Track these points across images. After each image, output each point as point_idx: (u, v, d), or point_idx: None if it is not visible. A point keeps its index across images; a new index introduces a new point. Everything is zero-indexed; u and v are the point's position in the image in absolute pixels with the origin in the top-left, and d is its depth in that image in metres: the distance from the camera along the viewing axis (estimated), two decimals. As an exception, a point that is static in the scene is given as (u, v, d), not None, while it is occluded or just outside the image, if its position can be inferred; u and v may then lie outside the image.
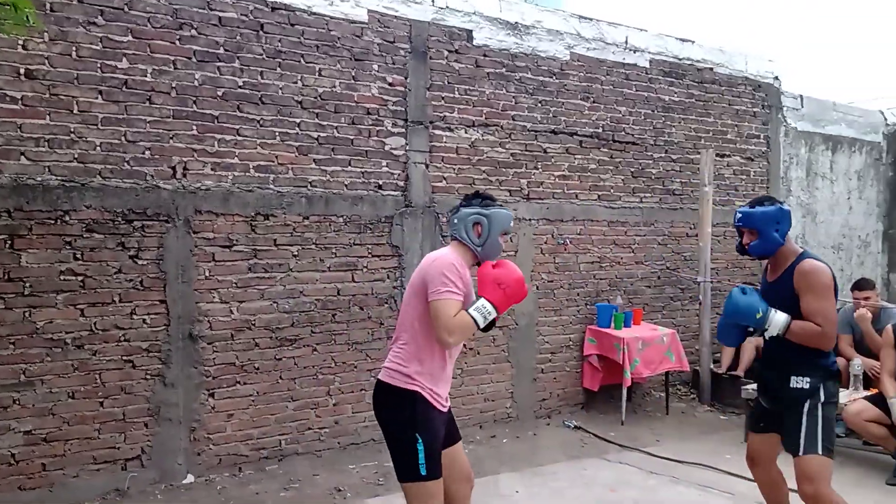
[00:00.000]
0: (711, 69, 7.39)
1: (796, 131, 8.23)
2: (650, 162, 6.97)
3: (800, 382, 3.45)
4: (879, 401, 5.00)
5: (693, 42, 7.27)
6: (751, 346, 6.74)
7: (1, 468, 4.22)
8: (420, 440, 2.85)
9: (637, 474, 5.07)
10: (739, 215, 3.50)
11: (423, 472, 2.84)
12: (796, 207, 8.28)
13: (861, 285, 6.03)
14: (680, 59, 7.13)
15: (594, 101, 6.56)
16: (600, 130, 6.61)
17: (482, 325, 2.91)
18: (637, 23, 6.91)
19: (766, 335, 3.45)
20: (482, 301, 2.90)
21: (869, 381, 5.51)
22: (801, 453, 3.40)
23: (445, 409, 3.04)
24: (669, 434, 6.02)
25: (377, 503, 4.54)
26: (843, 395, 5.47)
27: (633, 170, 6.85)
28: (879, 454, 5.25)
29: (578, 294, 6.52)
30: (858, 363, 5.61)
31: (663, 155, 7.05)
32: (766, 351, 3.60)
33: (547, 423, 6.24)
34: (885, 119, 9.20)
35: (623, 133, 6.76)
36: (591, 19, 6.54)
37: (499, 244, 3.08)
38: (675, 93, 7.11)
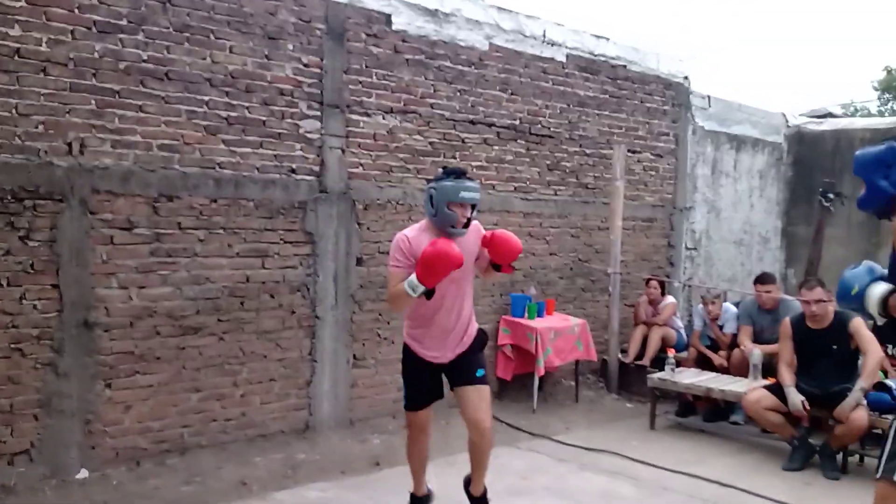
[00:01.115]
0: (625, 66, 7.54)
1: (703, 130, 8.52)
2: (565, 155, 7.06)
3: None
4: (777, 390, 5.23)
5: (608, 39, 7.40)
6: (657, 335, 6.95)
7: None
8: (403, 380, 3.87)
9: (547, 462, 5.12)
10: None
11: (405, 404, 3.89)
12: (702, 203, 8.58)
13: (763, 279, 6.30)
14: (595, 56, 7.24)
15: (512, 93, 6.58)
16: (517, 122, 6.64)
17: (413, 295, 3.42)
18: (554, 17, 6.98)
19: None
20: (412, 275, 3.41)
21: (768, 370, 5.76)
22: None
23: (435, 360, 3.75)
24: (579, 422, 6.13)
25: (285, 496, 4.41)
26: (743, 384, 5.71)
27: (548, 162, 6.92)
28: (776, 441, 5.50)
29: (493, 284, 6.54)
30: (758, 353, 5.85)
31: (577, 149, 7.16)
32: None
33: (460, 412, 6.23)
34: (787, 121, 9.65)
35: (539, 126, 6.81)
36: (510, 11, 6.56)
37: (451, 214, 3.52)
38: (590, 88, 7.22)
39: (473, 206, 3.63)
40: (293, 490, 4.50)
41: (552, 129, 6.92)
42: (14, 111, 4.19)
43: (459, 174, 3.60)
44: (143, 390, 4.71)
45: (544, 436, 5.66)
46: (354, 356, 5.71)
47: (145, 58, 4.60)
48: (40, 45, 4.26)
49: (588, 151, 7.25)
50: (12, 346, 4.24)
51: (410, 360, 3.81)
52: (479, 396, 3.73)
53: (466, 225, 3.60)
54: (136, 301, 4.64)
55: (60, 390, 4.38)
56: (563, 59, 6.95)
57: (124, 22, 4.52)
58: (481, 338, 3.87)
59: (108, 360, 4.55)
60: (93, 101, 4.43)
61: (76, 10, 4.35)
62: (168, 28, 4.69)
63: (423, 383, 3.80)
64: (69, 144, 4.37)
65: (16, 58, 4.19)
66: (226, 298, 5.02)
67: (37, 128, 4.26)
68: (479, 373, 3.77)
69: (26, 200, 4.24)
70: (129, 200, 4.59)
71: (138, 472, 4.61)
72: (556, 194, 7.02)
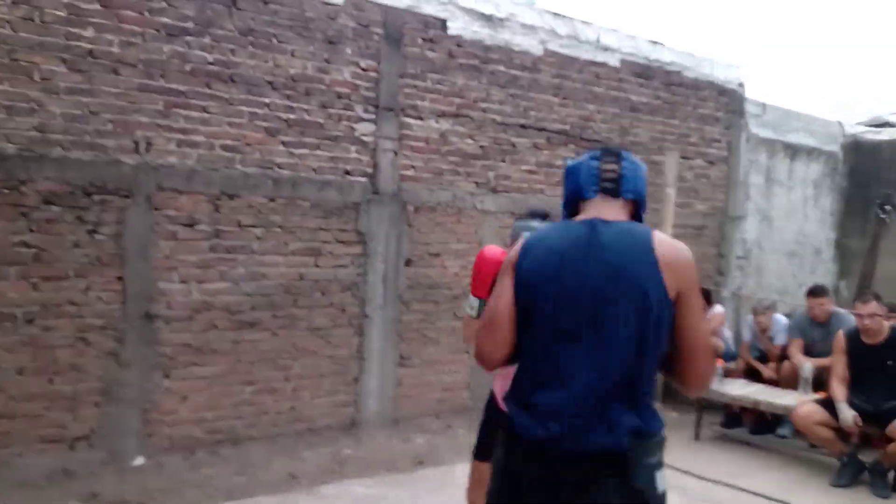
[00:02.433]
0: (679, 72, 7.48)
1: (758, 138, 8.40)
2: (616, 161, 7.02)
3: None
4: (828, 404, 5.15)
5: (663, 45, 7.35)
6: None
7: (-57, 444, 4.09)
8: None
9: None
10: None
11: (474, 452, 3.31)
12: (754, 213, 8.46)
13: (816, 291, 6.20)
14: (650, 61, 7.21)
15: (564, 98, 6.59)
16: (568, 127, 6.65)
17: (473, 314, 2.91)
18: (609, 23, 6.96)
19: None
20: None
21: (819, 384, 5.67)
22: None
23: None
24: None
25: (332, 490, 4.52)
26: (793, 398, 5.64)
27: (598, 168, 6.89)
28: (824, 456, 5.42)
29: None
30: (809, 366, 5.77)
31: (629, 155, 7.11)
32: None
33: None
34: (843, 130, 9.45)
35: (591, 131, 6.81)
36: (565, 16, 6.56)
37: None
38: (644, 94, 7.18)
39: None
40: (339, 485, 4.60)
41: (603, 135, 6.90)
42: (86, 109, 4.37)
43: (543, 216, 3.01)
44: (200, 381, 4.87)
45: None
46: (401, 356, 5.79)
47: (211, 60, 4.75)
48: (112, 47, 4.43)
49: (639, 157, 7.20)
50: (77, 335, 4.42)
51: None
52: None
53: None
54: (196, 295, 4.79)
55: (121, 379, 4.56)
56: (617, 65, 6.93)
57: (191, 25, 4.67)
58: None
59: (168, 352, 4.72)
60: (160, 102, 4.59)
61: (146, 13, 4.52)
62: (233, 31, 4.83)
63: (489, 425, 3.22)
64: (137, 143, 4.54)
65: (88, 58, 4.37)
66: (280, 295, 5.15)
67: (106, 126, 4.44)
68: None
69: (95, 196, 4.42)
70: (192, 198, 4.74)
71: (192, 461, 4.76)
72: (605, 200, 6.99)
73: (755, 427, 6.24)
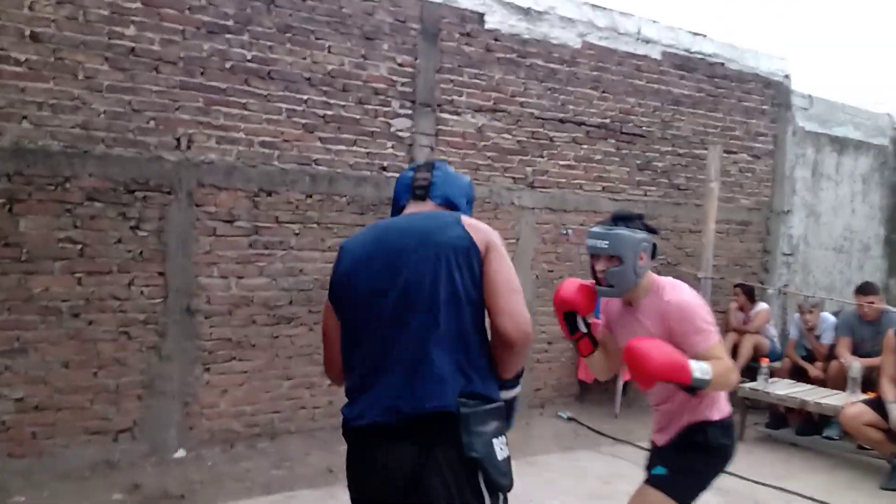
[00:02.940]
0: (723, 64, 7.32)
1: (804, 131, 8.18)
2: (656, 155, 6.92)
3: None
4: (878, 405, 4.99)
5: (705, 36, 7.20)
6: (749, 343, 6.74)
7: (-9, 434, 4.20)
8: None
9: (630, 468, 5.03)
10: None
11: None
12: (800, 208, 8.24)
13: (866, 289, 6.01)
14: (692, 53, 7.06)
15: (604, 91, 6.49)
16: (608, 121, 6.56)
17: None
18: (648, 14, 6.84)
19: None
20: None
21: (867, 384, 5.50)
22: None
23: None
24: (663, 429, 6.00)
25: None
26: (841, 398, 5.48)
27: (638, 162, 6.80)
28: (874, 458, 5.25)
29: (578, 285, 6.47)
30: (857, 366, 5.60)
31: (670, 149, 7.00)
32: None
33: (540, 413, 6.23)
34: (893, 122, 9.15)
35: (631, 125, 6.70)
36: (604, 8, 6.47)
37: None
38: (686, 86, 7.05)
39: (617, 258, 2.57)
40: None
41: (644, 128, 6.79)
42: (128, 107, 4.44)
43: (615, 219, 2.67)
44: (239, 376, 4.92)
45: (627, 441, 5.58)
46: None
47: (249, 57, 4.79)
48: (153, 45, 4.50)
49: (681, 151, 7.09)
50: (120, 329, 4.50)
51: None
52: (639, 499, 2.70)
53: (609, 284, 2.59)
54: (235, 290, 4.84)
55: (163, 373, 4.63)
56: (658, 57, 6.81)
57: (231, 23, 4.72)
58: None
59: (208, 346, 4.78)
60: (200, 99, 4.65)
61: (187, 11, 4.57)
62: (271, 28, 4.86)
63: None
64: (178, 140, 4.61)
65: (131, 56, 4.44)
66: (317, 290, 5.17)
67: (148, 123, 4.51)
68: (657, 470, 2.70)
69: (137, 192, 4.50)
70: (232, 194, 4.79)
71: (231, 454, 4.82)
72: (645, 195, 6.89)
73: (802, 428, 6.07)
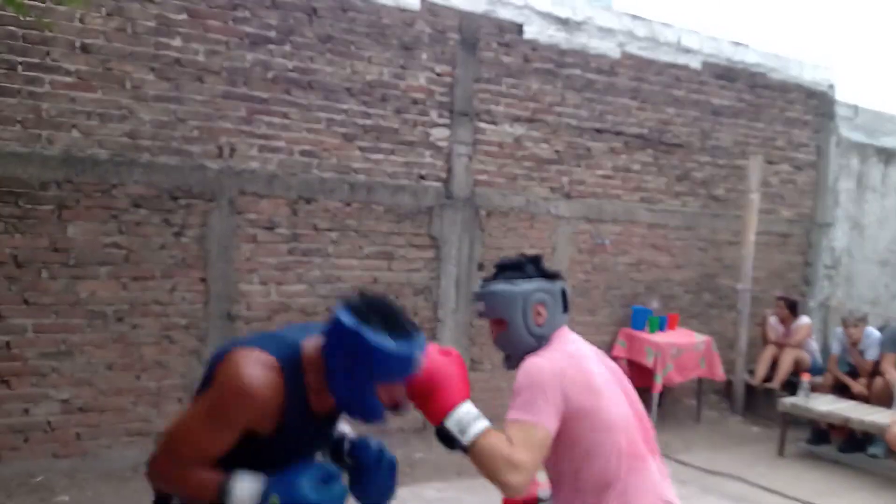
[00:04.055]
0: (764, 74, 7.22)
1: (849, 142, 8.03)
2: (695, 165, 6.85)
3: None
4: (923, 423, 4.86)
5: (747, 46, 7.12)
6: (789, 357, 6.62)
7: (37, 435, 4.30)
8: None
9: (666, 481, 5.00)
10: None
11: None
12: (843, 220, 8.08)
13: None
14: (733, 63, 6.99)
15: (642, 101, 6.46)
16: (646, 131, 6.51)
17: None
18: (689, 24, 6.79)
19: None
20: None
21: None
22: None
23: None
24: (700, 443, 5.93)
25: (405, 493, 4.49)
26: (886, 415, 5.35)
27: (677, 173, 6.74)
28: (919, 478, 5.12)
29: (614, 295, 6.44)
30: (903, 383, 5.46)
31: (709, 159, 6.93)
32: None
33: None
34: (942, 134, 8.92)
35: (670, 135, 6.65)
36: (643, 18, 6.44)
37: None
38: (726, 96, 6.97)
39: None
40: (412, 488, 4.61)
41: (683, 139, 6.73)
42: (173, 116, 4.55)
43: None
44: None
45: (664, 454, 5.51)
46: (472, 359, 5.78)
47: (291, 67, 4.88)
48: (198, 55, 4.60)
49: (720, 162, 7.01)
50: (163, 333, 4.60)
51: None
52: None
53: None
54: (274, 296, 4.92)
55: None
56: (699, 67, 6.75)
57: (273, 33, 4.80)
58: None
59: (246, 351, 4.84)
60: (243, 108, 4.74)
61: (231, 22, 4.67)
62: (312, 39, 4.94)
63: None
64: (220, 148, 4.70)
65: (176, 66, 4.55)
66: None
67: (192, 132, 4.61)
68: None
69: (181, 199, 4.60)
70: (272, 202, 4.87)
71: (268, 459, 4.87)
72: (684, 206, 6.83)
73: (844, 445, 5.94)
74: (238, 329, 4.80)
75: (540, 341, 2.07)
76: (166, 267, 4.59)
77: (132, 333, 4.50)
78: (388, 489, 2.06)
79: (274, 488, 1.73)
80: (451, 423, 1.83)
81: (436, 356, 1.89)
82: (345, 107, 5.10)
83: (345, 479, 1.87)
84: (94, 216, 4.37)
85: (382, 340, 1.73)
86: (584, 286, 6.28)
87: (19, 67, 4.16)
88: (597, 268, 6.33)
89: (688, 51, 6.68)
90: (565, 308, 2.13)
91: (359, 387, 1.79)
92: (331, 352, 1.79)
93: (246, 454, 1.80)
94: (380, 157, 5.27)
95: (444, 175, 5.55)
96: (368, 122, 5.20)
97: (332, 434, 2.08)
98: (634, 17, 6.38)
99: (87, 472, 4.39)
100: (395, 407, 1.87)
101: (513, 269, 2.11)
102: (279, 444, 1.84)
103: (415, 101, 5.37)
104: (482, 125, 5.69)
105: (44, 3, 4.12)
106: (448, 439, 1.85)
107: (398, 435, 5.42)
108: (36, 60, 4.20)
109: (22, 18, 3.92)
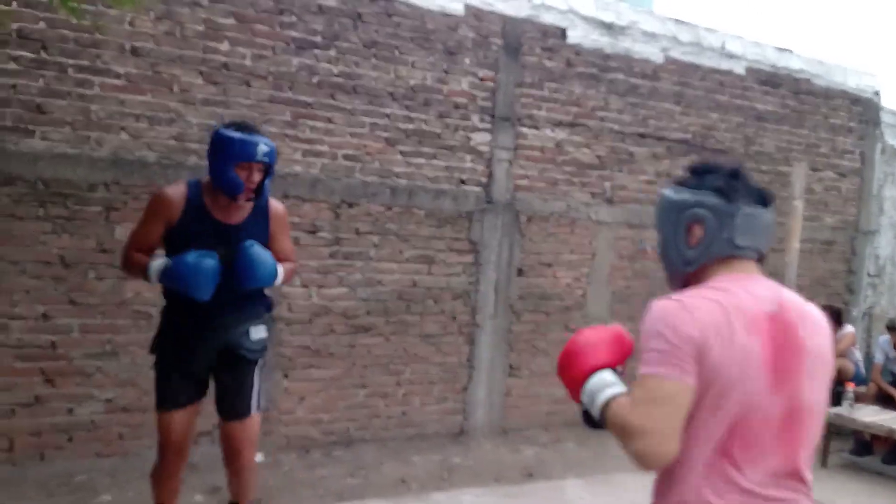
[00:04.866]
0: (809, 80, 7.10)
1: (893, 149, 7.86)
2: (738, 172, 6.74)
3: (261, 333, 3.13)
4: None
5: (791, 52, 7.00)
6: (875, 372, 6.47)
7: (80, 434, 4.36)
8: None
9: (708, 493, 4.93)
10: None
11: None
12: (888, 227, 7.92)
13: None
14: (777, 69, 6.88)
15: (686, 106, 6.38)
16: (690, 136, 6.43)
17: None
18: (732, 30, 6.69)
19: None
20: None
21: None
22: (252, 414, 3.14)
23: None
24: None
25: (442, 498, 4.53)
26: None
27: (720, 179, 6.64)
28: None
29: (645, 301, 6.36)
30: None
31: (753, 165, 6.82)
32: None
33: (613, 431, 6.13)
34: None
35: (713, 140, 6.56)
36: (687, 23, 6.36)
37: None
38: (770, 102, 6.86)
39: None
40: (449, 493, 4.60)
41: (726, 144, 6.64)
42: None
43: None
44: (316, 383, 5.00)
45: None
46: (510, 365, 5.76)
47: (336, 72, 4.89)
48: (245, 60, 4.63)
49: (764, 168, 6.90)
50: (206, 334, 4.62)
51: None
52: None
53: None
54: (316, 299, 4.93)
55: (244, 378, 4.73)
56: (743, 72, 6.65)
57: (319, 38, 4.82)
58: None
59: (288, 353, 4.87)
60: (288, 113, 4.76)
61: (278, 27, 4.69)
62: (357, 44, 4.95)
63: None
64: (265, 152, 4.71)
65: (223, 70, 4.58)
66: (394, 301, 5.22)
67: (238, 136, 4.63)
68: None
69: (225, 202, 4.62)
70: (315, 206, 4.89)
71: (307, 461, 4.89)
72: (725, 212, 6.72)
73: (889, 457, 5.82)
74: (279, 331, 4.82)
75: (687, 266, 1.72)
76: (210, 269, 4.61)
77: (176, 334, 4.53)
78: (248, 271, 2.88)
79: (172, 260, 2.80)
80: (584, 397, 1.64)
81: (581, 331, 1.76)
82: (388, 111, 5.10)
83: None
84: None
85: (230, 132, 2.85)
86: (625, 293, 6.22)
87: (70, 70, 4.22)
88: (638, 274, 6.27)
89: (732, 56, 6.59)
90: (735, 235, 1.65)
91: (222, 167, 2.83)
92: (209, 157, 2.90)
93: (171, 247, 2.90)
94: (421, 161, 5.26)
95: (484, 180, 5.53)
96: (411, 126, 5.20)
97: (235, 241, 2.89)
98: (678, 21, 6.31)
99: (128, 471, 4.43)
100: (252, 188, 2.88)
101: (694, 174, 1.77)
102: (185, 236, 2.86)
103: (457, 106, 5.36)
104: (524, 130, 5.65)
105: (94, 6, 4.16)
106: (590, 417, 1.64)
107: (436, 439, 5.42)
108: (86, 63, 4.25)
109: (75, 22, 3.96)
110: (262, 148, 2.87)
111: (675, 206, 1.73)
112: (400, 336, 5.27)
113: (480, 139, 5.48)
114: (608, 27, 5.93)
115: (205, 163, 4.55)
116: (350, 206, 5.01)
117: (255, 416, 3.15)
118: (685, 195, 1.71)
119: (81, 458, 4.35)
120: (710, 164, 1.76)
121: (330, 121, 4.90)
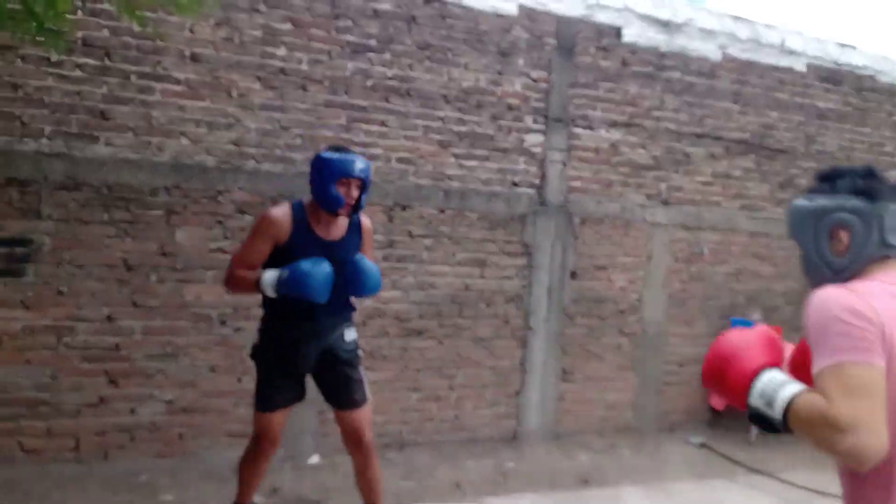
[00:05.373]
0: (872, 77, 6.87)
1: (963, 146, 7.55)
2: (799, 172, 6.56)
3: (352, 334, 3.47)
4: None
5: (854, 48, 6.78)
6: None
7: (141, 434, 4.44)
8: None
9: (770, 501, 4.80)
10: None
11: None
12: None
13: None
14: (839, 65, 6.66)
15: (744, 105, 6.23)
16: (748, 136, 6.28)
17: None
18: (792, 25, 6.51)
19: None
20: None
21: None
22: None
23: None
24: (804, 461, 5.65)
25: (497, 503, 4.49)
26: None
27: (780, 179, 6.47)
28: None
29: (712, 306, 6.23)
30: None
31: (814, 165, 6.62)
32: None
33: (669, 437, 6.02)
34: None
35: (772, 140, 6.39)
36: (745, 19, 6.21)
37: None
38: (832, 100, 6.66)
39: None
40: (503, 499, 4.56)
41: (786, 144, 6.46)
42: (277, 125, 4.63)
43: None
44: (371, 386, 4.99)
45: (766, 472, 5.30)
46: (563, 370, 5.69)
47: (390, 75, 4.90)
48: (301, 64, 4.67)
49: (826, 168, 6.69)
50: (263, 336, 4.67)
51: None
52: None
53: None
54: (369, 302, 4.94)
55: (300, 380, 4.77)
56: (803, 69, 6.46)
57: (373, 42, 4.83)
58: None
59: (342, 357, 4.89)
60: (343, 116, 4.79)
61: (333, 32, 4.72)
62: (411, 47, 4.95)
63: None
64: (321, 156, 4.75)
65: (280, 75, 4.63)
66: (446, 304, 5.21)
67: (295, 140, 4.68)
68: None
69: (282, 206, 4.67)
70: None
71: (362, 463, 4.90)
72: (785, 213, 6.55)
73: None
74: (335, 334, 4.84)
75: (838, 275, 1.66)
76: (267, 272, 4.66)
77: (235, 336, 4.60)
78: (361, 282, 3.20)
79: (288, 269, 3.02)
80: (754, 399, 1.55)
81: (727, 332, 1.72)
82: (441, 114, 5.09)
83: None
84: (201, 222, 4.49)
85: (329, 153, 3.15)
86: (681, 296, 6.09)
87: (132, 77, 4.31)
88: (694, 277, 6.14)
89: (791, 52, 6.41)
90: (884, 237, 1.62)
91: (324, 185, 3.09)
92: (311, 179, 3.17)
93: (275, 264, 3.11)
94: (474, 163, 5.24)
95: (537, 182, 5.48)
96: (463, 128, 5.18)
97: (339, 256, 3.15)
98: (736, 18, 6.16)
99: (189, 471, 4.50)
100: (351, 203, 3.15)
101: (825, 180, 1.74)
102: (293, 253, 3.08)
103: (510, 108, 5.32)
104: (577, 131, 5.59)
105: (155, 13, 4.24)
106: (764, 420, 1.55)
107: (488, 444, 5.38)
108: (147, 70, 4.34)
109: (138, 29, 4.05)
110: (359, 164, 3.14)
111: (812, 213, 1.69)
112: (452, 339, 5.25)
113: (533, 141, 5.43)
114: (664, 25, 5.82)
115: (263, 167, 4.64)
116: (403, 208, 5.01)
117: (369, 404, 3.56)
118: (822, 201, 1.68)
119: (143, 458, 4.43)
120: (840, 169, 1.74)
121: (384, 124, 4.91)
